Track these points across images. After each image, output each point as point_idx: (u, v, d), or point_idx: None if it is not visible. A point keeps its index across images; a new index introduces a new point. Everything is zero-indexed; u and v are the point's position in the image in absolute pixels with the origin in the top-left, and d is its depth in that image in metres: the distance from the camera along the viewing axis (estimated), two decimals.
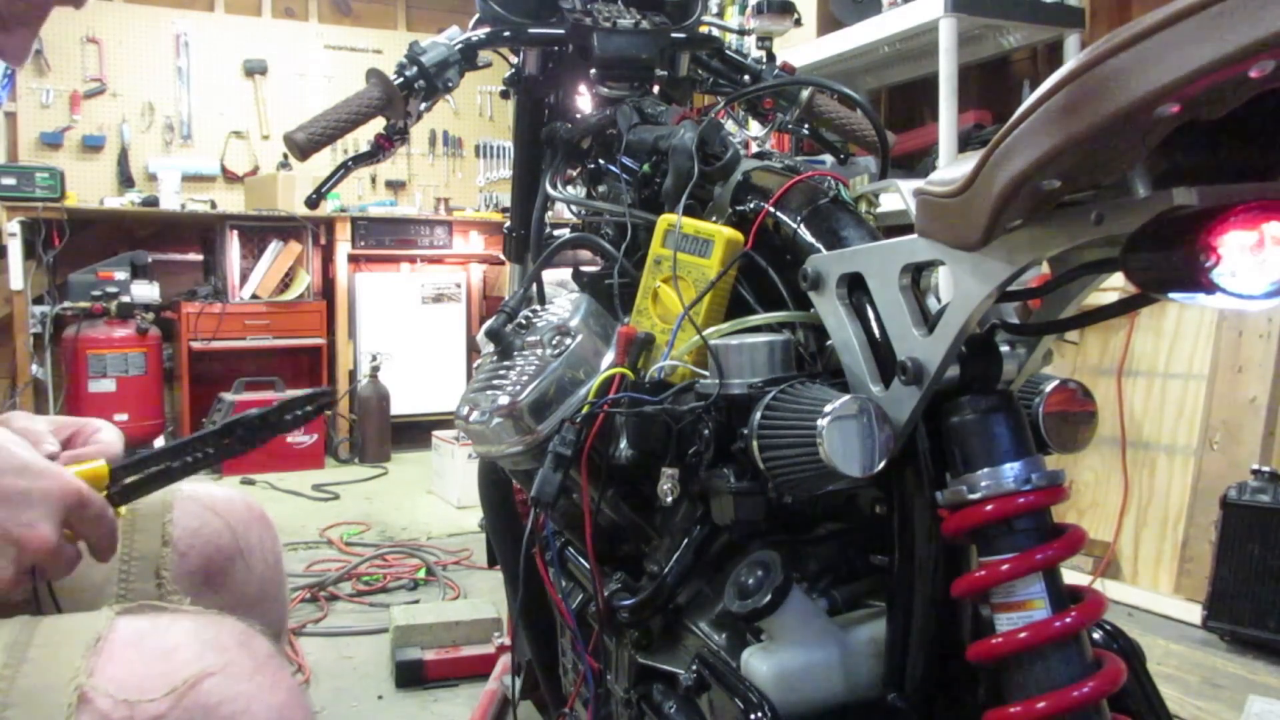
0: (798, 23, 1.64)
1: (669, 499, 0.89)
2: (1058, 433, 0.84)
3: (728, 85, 1.42)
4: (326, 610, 2.66)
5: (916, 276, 0.80)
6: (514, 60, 1.39)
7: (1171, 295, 0.60)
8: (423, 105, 1.28)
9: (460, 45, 1.27)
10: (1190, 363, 2.47)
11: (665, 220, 1.02)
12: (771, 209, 0.96)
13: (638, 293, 1.05)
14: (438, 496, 4.01)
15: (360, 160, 1.32)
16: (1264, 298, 0.56)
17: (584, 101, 1.33)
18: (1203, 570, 2.22)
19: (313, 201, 1.35)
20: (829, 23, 3.12)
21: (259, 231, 4.90)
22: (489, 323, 1.13)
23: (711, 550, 0.93)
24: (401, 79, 1.24)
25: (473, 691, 2.07)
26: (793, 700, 0.81)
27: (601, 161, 1.26)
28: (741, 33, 1.67)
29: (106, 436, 0.84)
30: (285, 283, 4.93)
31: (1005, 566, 0.72)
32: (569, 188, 1.32)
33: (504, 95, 1.43)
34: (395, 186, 5.74)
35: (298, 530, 3.46)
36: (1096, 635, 0.83)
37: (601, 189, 1.27)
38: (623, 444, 0.91)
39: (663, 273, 1.01)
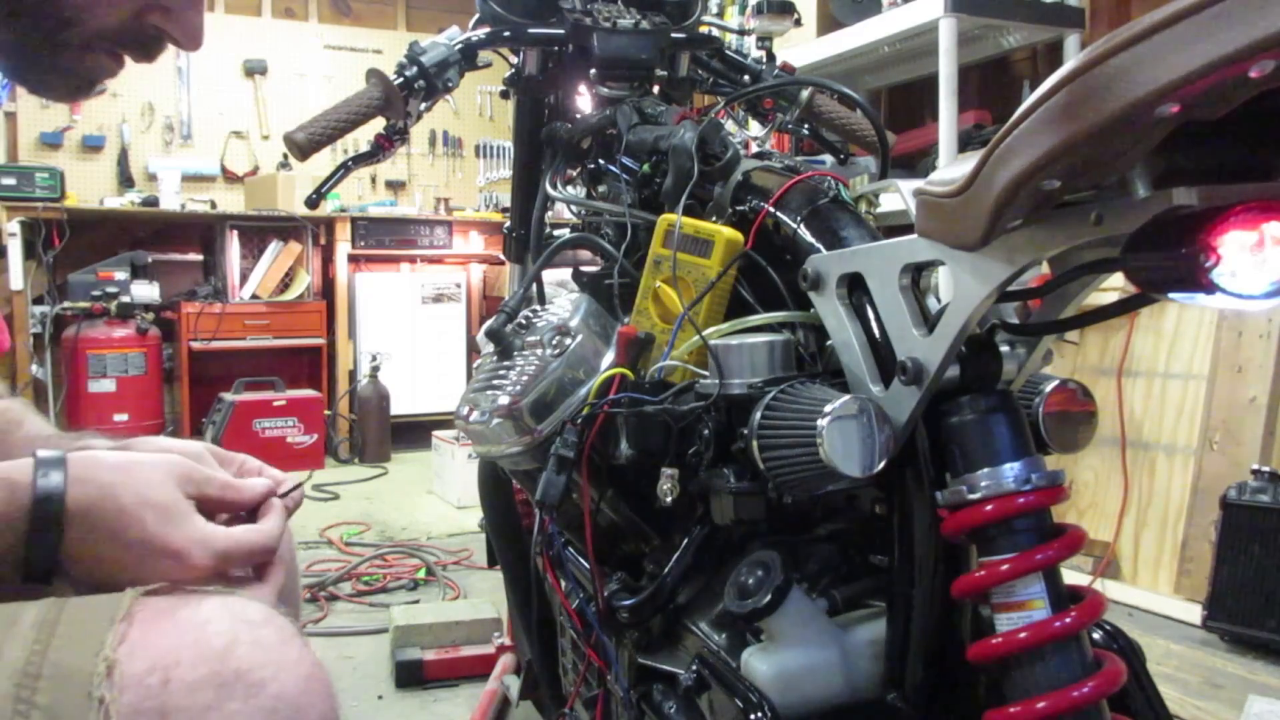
0: (798, 23, 1.64)
1: (669, 499, 0.89)
2: (1058, 433, 0.84)
3: (728, 85, 1.42)
4: (326, 610, 2.66)
5: (916, 276, 0.80)
6: (514, 60, 1.38)
7: (1171, 295, 0.60)
8: (423, 105, 1.28)
9: (460, 45, 1.27)
10: (1190, 363, 2.47)
11: (665, 220, 1.02)
12: (771, 209, 0.96)
13: (638, 293, 1.05)
14: (438, 496, 4.01)
15: (360, 160, 1.32)
16: (1264, 298, 0.56)
17: (584, 101, 1.33)
18: (1203, 570, 2.21)
19: (313, 201, 1.35)
20: (829, 23, 3.12)
21: (259, 231, 4.90)
22: (489, 323, 1.13)
23: (711, 550, 0.93)
24: (401, 79, 1.24)
25: (473, 691, 2.07)
26: (793, 700, 0.81)
27: (601, 161, 1.26)
28: (741, 33, 1.67)
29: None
30: (285, 283, 4.93)
31: (1005, 566, 0.72)
32: (569, 188, 1.32)
33: (504, 95, 1.43)
34: (395, 186, 5.73)
35: (298, 530, 3.45)
36: (1096, 635, 0.83)
37: (601, 189, 1.27)
38: (623, 444, 0.91)
39: (663, 273, 1.01)
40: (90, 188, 5.00)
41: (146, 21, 0.75)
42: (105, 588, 0.63)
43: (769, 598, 0.79)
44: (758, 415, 0.81)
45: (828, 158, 1.77)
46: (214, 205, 5.06)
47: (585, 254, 1.28)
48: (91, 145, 5.07)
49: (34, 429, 0.87)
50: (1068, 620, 0.71)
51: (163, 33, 0.77)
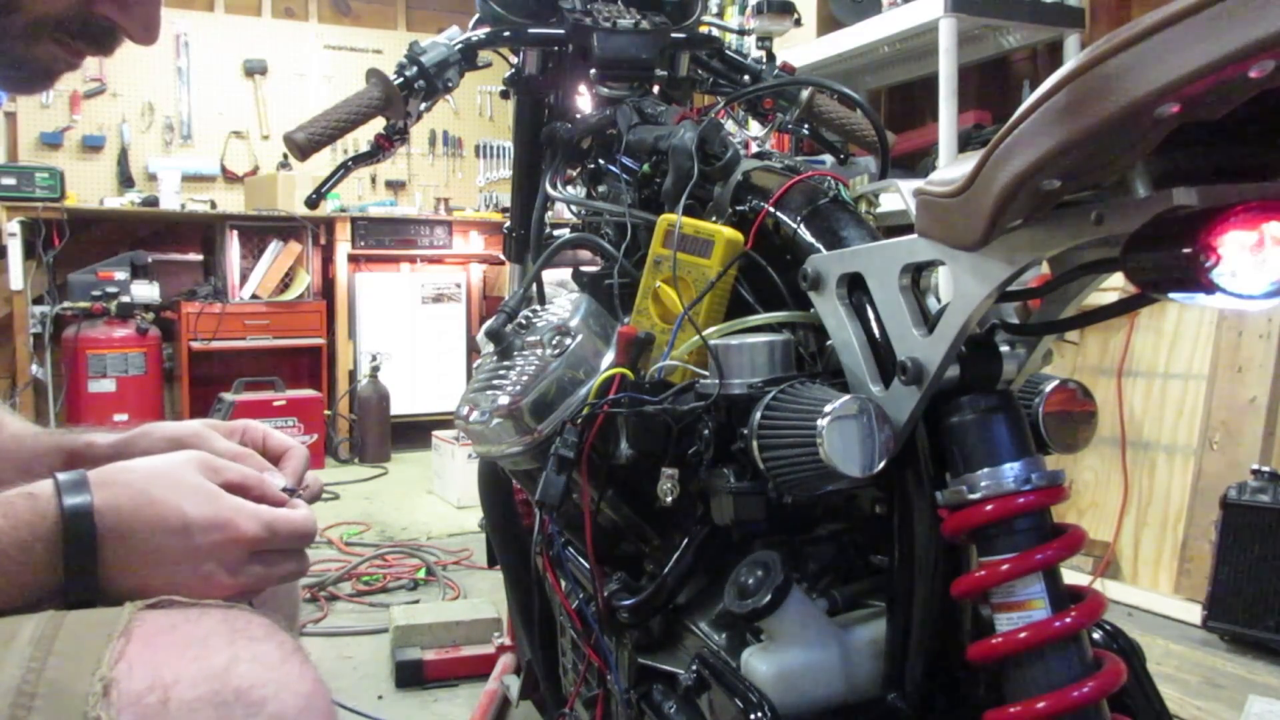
0: (798, 23, 1.64)
1: (669, 499, 0.89)
2: (1058, 433, 0.84)
3: (728, 85, 1.42)
4: (326, 610, 2.66)
5: (916, 276, 0.80)
6: (514, 60, 1.39)
7: (1171, 295, 0.60)
8: (423, 105, 1.28)
9: (460, 45, 1.27)
10: (1190, 363, 2.47)
11: (665, 220, 1.01)
12: (771, 209, 0.96)
13: (638, 293, 1.05)
14: (438, 496, 4.01)
15: (360, 160, 1.32)
16: (1264, 298, 0.56)
17: (584, 101, 1.33)
18: (1203, 570, 2.21)
19: (313, 201, 1.35)
20: (829, 23, 3.12)
21: (259, 231, 4.90)
22: (489, 323, 1.13)
23: (711, 550, 0.93)
24: (401, 79, 1.24)
25: (473, 691, 2.07)
26: (793, 700, 0.81)
27: (601, 161, 1.26)
28: (741, 33, 1.67)
29: (298, 459, 0.84)
30: (285, 283, 4.93)
31: (1005, 566, 0.72)
32: (569, 188, 1.32)
33: (504, 95, 1.43)
34: (395, 186, 5.73)
35: None
36: (1096, 635, 0.83)
37: (601, 189, 1.27)
38: (623, 444, 0.91)
39: (663, 273, 1.01)
40: (90, 188, 5.00)
41: (97, 11, 0.72)
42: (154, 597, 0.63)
43: (769, 598, 0.79)
44: (758, 415, 0.81)
45: (828, 158, 1.77)
46: (214, 205, 5.06)
47: (585, 254, 1.28)
48: (91, 145, 5.07)
49: (16, 428, 0.86)
50: (1068, 620, 0.71)
51: (115, 24, 0.74)
